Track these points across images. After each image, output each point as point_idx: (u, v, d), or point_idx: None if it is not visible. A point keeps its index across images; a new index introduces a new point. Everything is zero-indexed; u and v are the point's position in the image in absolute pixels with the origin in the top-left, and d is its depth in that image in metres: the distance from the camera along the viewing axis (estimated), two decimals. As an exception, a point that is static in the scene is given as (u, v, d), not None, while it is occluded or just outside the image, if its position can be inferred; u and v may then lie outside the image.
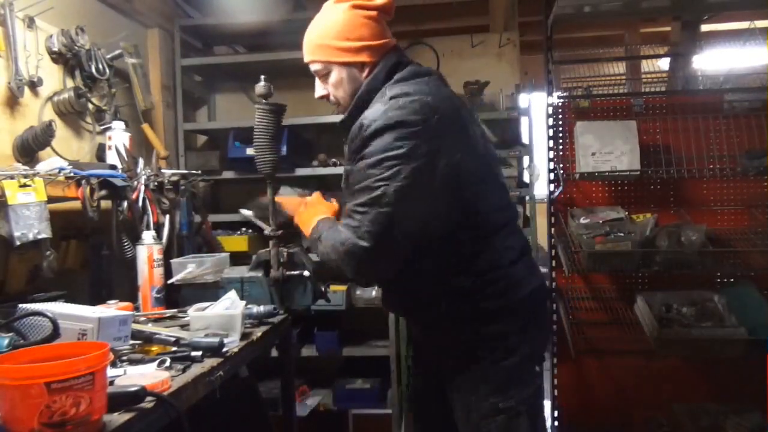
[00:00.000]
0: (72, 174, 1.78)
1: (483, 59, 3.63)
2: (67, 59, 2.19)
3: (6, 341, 1.30)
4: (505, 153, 3.19)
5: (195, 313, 1.63)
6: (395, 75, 1.47)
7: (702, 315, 2.48)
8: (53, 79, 2.15)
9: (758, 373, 1.87)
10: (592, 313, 2.78)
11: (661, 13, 3.46)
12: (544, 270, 2.69)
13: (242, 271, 1.99)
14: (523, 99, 3.36)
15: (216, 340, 1.46)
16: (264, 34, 3.26)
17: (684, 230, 2.46)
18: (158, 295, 1.98)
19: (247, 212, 1.97)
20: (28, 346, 1.21)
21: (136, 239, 2.00)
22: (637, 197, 2.79)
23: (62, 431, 0.94)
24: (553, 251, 2.79)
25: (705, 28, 3.80)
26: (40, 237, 1.63)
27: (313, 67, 1.54)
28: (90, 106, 2.27)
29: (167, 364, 1.34)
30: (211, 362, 1.41)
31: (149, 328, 1.64)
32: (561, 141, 2.81)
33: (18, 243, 1.58)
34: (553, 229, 2.81)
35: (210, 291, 1.95)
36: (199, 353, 1.41)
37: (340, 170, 1.72)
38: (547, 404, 2.64)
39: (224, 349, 1.47)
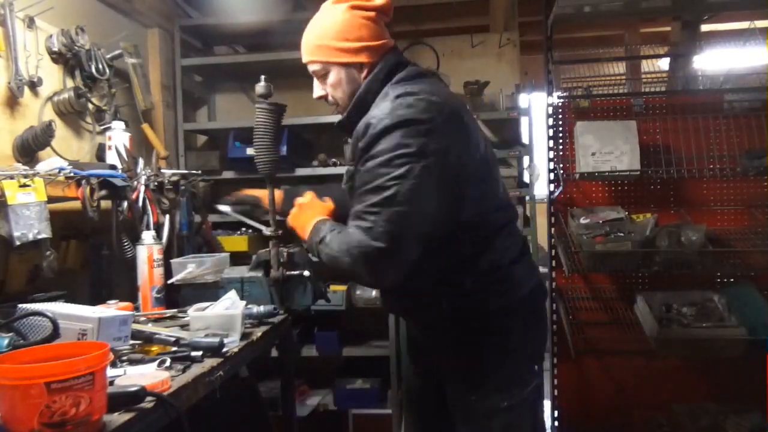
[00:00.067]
0: (72, 174, 1.78)
1: (483, 59, 3.63)
2: (67, 59, 2.19)
3: (6, 341, 1.30)
4: (505, 153, 3.19)
5: (195, 313, 1.63)
6: (396, 75, 1.47)
7: (702, 315, 2.48)
8: (53, 79, 2.15)
9: (758, 373, 1.88)
10: (592, 313, 2.78)
11: (661, 13, 3.46)
12: (544, 270, 2.70)
13: (242, 271, 1.99)
14: (523, 99, 3.36)
15: (216, 340, 1.46)
16: (264, 34, 3.26)
17: (684, 230, 2.46)
18: (158, 295, 1.98)
19: (225, 208, 1.94)
20: (28, 346, 1.21)
21: (136, 239, 2.00)
22: (637, 197, 2.79)
23: (62, 431, 0.94)
24: (553, 251, 2.79)
25: (705, 28, 3.79)
26: (40, 237, 1.63)
27: (312, 68, 1.53)
28: (90, 106, 2.27)
29: (167, 364, 1.34)
30: (211, 362, 1.41)
31: (149, 328, 1.64)
32: (561, 141, 2.81)
33: (18, 243, 1.58)
34: (553, 229, 2.81)
35: (210, 291, 1.95)
36: (199, 353, 1.41)
37: (340, 170, 1.72)
38: (547, 404, 2.64)
39: (224, 349, 1.47)
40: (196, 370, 1.35)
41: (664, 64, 3.25)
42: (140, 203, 2.05)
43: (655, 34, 4.80)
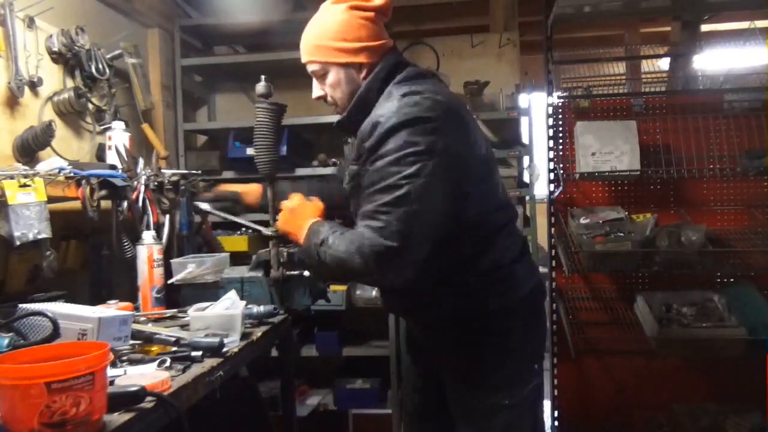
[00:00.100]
0: (72, 174, 1.78)
1: (483, 59, 3.63)
2: (67, 59, 2.19)
3: (6, 341, 1.29)
4: (505, 153, 3.19)
5: (195, 313, 1.63)
6: (397, 75, 1.47)
7: (702, 315, 2.48)
8: (53, 79, 2.15)
9: (758, 373, 1.88)
10: (592, 313, 2.78)
11: (661, 13, 3.46)
12: (544, 270, 2.70)
13: (242, 271, 1.99)
14: (523, 99, 3.36)
15: (216, 340, 1.46)
16: (264, 34, 3.26)
17: (684, 230, 2.46)
18: (158, 295, 1.98)
19: (204, 205, 1.93)
20: (28, 346, 1.21)
21: (136, 239, 2.00)
22: (637, 197, 2.79)
23: (62, 431, 0.94)
24: (553, 251, 2.79)
25: (705, 28, 3.80)
26: (40, 237, 1.62)
27: (311, 68, 1.53)
28: (90, 106, 2.27)
29: (167, 364, 1.34)
30: (211, 362, 1.41)
31: (149, 328, 1.64)
32: (561, 141, 2.81)
33: (18, 243, 1.58)
34: (553, 229, 2.81)
35: (210, 291, 1.95)
36: (199, 353, 1.40)
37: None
38: (547, 404, 2.64)
39: (224, 349, 1.47)
40: (196, 370, 1.35)
41: (664, 64, 3.25)
42: (140, 203, 2.04)
43: (655, 34, 4.80)
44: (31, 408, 0.92)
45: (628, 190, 2.80)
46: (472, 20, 4.19)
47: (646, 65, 3.42)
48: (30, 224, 1.60)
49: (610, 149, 2.55)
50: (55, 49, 2.13)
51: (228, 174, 3.15)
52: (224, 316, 1.60)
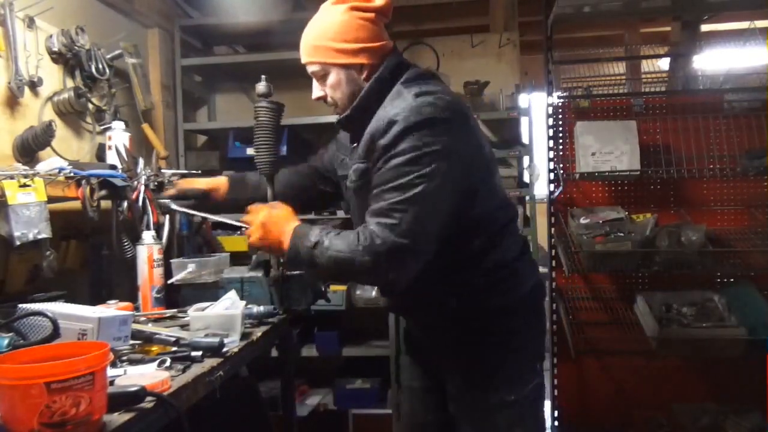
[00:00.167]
0: (72, 174, 1.77)
1: (483, 59, 3.63)
2: (67, 59, 2.19)
3: (6, 341, 1.29)
4: (505, 153, 3.18)
5: (195, 313, 1.63)
6: (401, 76, 1.47)
7: (702, 315, 2.48)
8: (53, 79, 2.15)
9: (758, 373, 1.88)
10: (592, 313, 2.78)
11: (661, 13, 3.46)
12: (544, 270, 2.70)
13: (242, 271, 1.99)
14: (523, 99, 3.36)
15: (216, 340, 1.46)
16: (264, 34, 3.26)
17: (684, 230, 2.46)
18: (158, 295, 1.97)
19: (166, 202, 1.88)
20: (28, 346, 1.21)
21: (136, 239, 2.00)
22: (637, 197, 2.79)
23: (62, 431, 0.94)
24: (553, 251, 2.80)
25: (705, 28, 3.80)
26: (40, 237, 1.62)
27: (311, 69, 1.53)
28: (90, 106, 2.27)
29: (167, 364, 1.34)
30: (211, 362, 1.40)
31: (149, 328, 1.64)
32: (561, 141, 2.81)
33: (18, 243, 1.58)
34: (553, 229, 2.81)
35: (210, 291, 1.95)
36: (199, 353, 1.40)
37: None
38: (547, 404, 2.64)
39: (224, 349, 1.47)
40: (196, 370, 1.35)
41: (664, 64, 3.26)
42: (140, 203, 2.04)
43: (655, 34, 4.80)
44: (31, 408, 0.92)
45: (628, 190, 2.80)
46: (472, 20, 4.19)
47: (646, 65, 3.42)
48: (30, 224, 1.60)
49: (610, 149, 2.55)
50: (55, 49, 2.13)
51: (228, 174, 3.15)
52: (224, 316, 1.60)
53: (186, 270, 2.02)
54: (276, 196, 1.78)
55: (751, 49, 2.73)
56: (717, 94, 2.76)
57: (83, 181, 1.80)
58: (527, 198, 3.30)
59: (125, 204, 1.98)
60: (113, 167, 2.04)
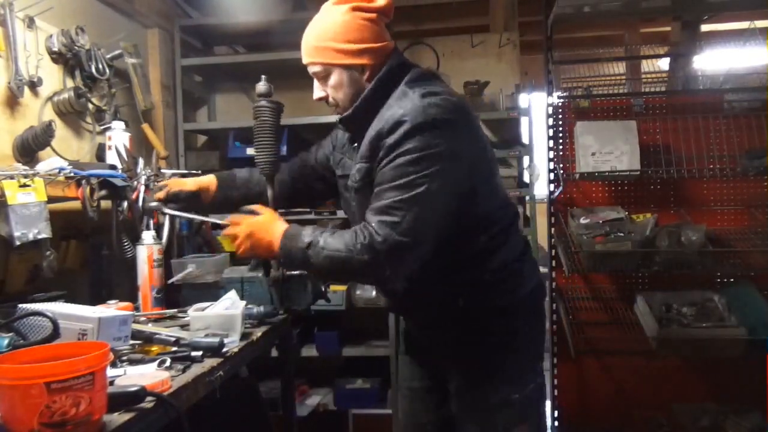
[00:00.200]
0: (72, 174, 1.78)
1: (483, 59, 3.62)
2: (67, 59, 2.19)
3: (6, 341, 1.29)
4: (505, 153, 3.18)
5: (195, 313, 1.63)
6: (404, 76, 1.47)
7: (702, 315, 2.48)
8: (53, 79, 2.15)
9: (758, 373, 1.88)
10: (592, 313, 2.78)
11: (661, 13, 3.46)
12: (544, 270, 2.69)
13: (242, 271, 1.99)
14: (523, 99, 3.36)
15: (216, 340, 1.46)
16: (264, 34, 3.26)
17: (684, 230, 2.46)
18: (158, 295, 1.98)
19: (155, 204, 1.84)
20: (28, 346, 1.21)
21: (136, 239, 2.00)
22: (637, 197, 2.79)
23: (62, 431, 0.94)
24: (553, 251, 2.80)
25: (705, 28, 3.80)
26: (40, 237, 1.62)
27: (312, 69, 1.52)
28: (90, 106, 2.27)
29: (167, 364, 1.34)
30: (211, 362, 1.41)
31: (149, 328, 1.64)
32: (561, 141, 2.81)
33: (18, 243, 1.58)
34: (553, 229, 2.81)
35: (210, 291, 1.95)
36: (199, 353, 1.40)
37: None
38: (547, 404, 2.64)
39: (224, 349, 1.47)
40: (196, 370, 1.35)
41: (664, 64, 3.26)
42: (140, 203, 2.04)
43: (655, 34, 4.80)
44: (31, 408, 0.92)
45: (628, 190, 2.80)
46: (472, 20, 4.19)
47: (646, 65, 3.42)
48: (30, 224, 1.60)
49: (610, 149, 2.55)
50: (55, 49, 2.13)
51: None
52: (224, 316, 1.60)
53: (186, 270, 2.02)
54: (267, 195, 1.78)
55: (751, 49, 2.73)
56: (717, 94, 2.76)
57: (83, 181, 1.80)
58: (527, 198, 3.30)
59: (125, 204, 1.98)
60: (113, 167, 2.04)
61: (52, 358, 1.03)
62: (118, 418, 1.06)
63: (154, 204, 1.80)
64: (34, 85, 2.02)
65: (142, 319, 1.85)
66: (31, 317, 1.35)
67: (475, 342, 1.51)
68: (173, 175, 2.28)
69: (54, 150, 2.04)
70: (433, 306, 1.54)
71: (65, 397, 0.93)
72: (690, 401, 2.71)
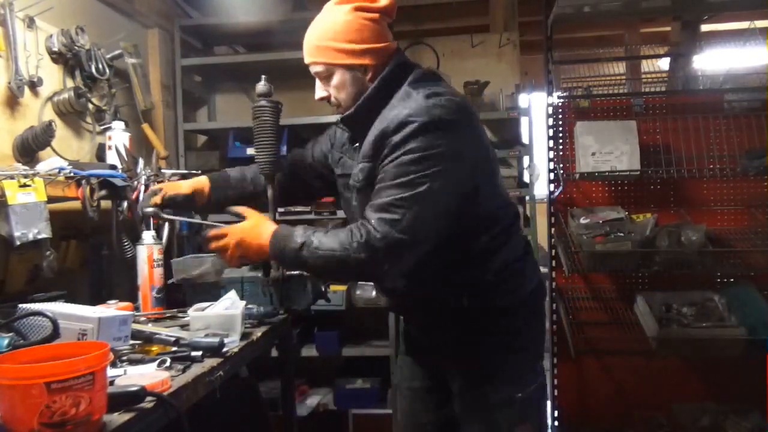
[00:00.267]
0: (72, 174, 1.78)
1: (483, 59, 3.62)
2: (67, 59, 2.19)
3: (6, 341, 1.29)
4: (505, 153, 3.18)
5: (195, 313, 1.63)
6: (407, 76, 1.47)
7: (702, 315, 2.48)
8: (53, 79, 2.15)
9: (758, 373, 1.88)
10: (592, 313, 2.78)
11: (661, 13, 3.46)
12: (544, 270, 2.69)
13: (242, 271, 1.99)
14: (523, 99, 3.36)
15: (216, 340, 1.46)
16: (264, 34, 3.26)
17: (684, 230, 2.46)
18: (158, 295, 1.98)
19: (151, 209, 1.77)
20: (28, 346, 1.21)
21: (136, 239, 2.00)
22: (637, 197, 2.79)
23: (62, 431, 0.94)
24: (553, 251, 2.79)
25: (705, 28, 3.80)
26: (40, 237, 1.63)
27: (314, 69, 1.52)
28: (90, 106, 2.27)
29: (167, 364, 1.34)
30: (211, 362, 1.41)
31: (149, 328, 1.64)
32: (561, 141, 2.81)
33: (18, 243, 1.58)
34: (553, 229, 2.81)
35: (210, 291, 1.95)
36: (199, 353, 1.40)
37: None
38: (547, 404, 2.64)
39: (224, 349, 1.47)
40: (196, 370, 1.35)
41: (664, 64, 3.26)
42: (138, 209, 2.04)
43: (655, 34, 4.80)
44: (31, 408, 0.92)
45: (628, 190, 2.80)
46: (472, 20, 4.19)
47: (646, 65, 3.42)
48: (30, 224, 1.60)
49: (610, 149, 2.55)
50: (55, 49, 2.13)
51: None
52: (224, 316, 1.60)
53: (186, 270, 2.02)
54: (259, 194, 1.78)
55: (751, 49, 2.73)
56: (717, 94, 2.76)
57: (83, 181, 1.81)
58: (527, 198, 3.30)
59: (125, 204, 1.98)
60: (113, 167, 2.04)
61: (52, 358, 1.03)
62: (118, 418, 1.06)
63: (150, 210, 1.74)
64: (34, 85, 2.02)
65: (142, 319, 1.85)
66: (31, 317, 1.35)
67: (476, 342, 1.51)
68: (173, 175, 2.28)
69: (54, 150, 2.04)
70: (436, 306, 1.54)
71: (65, 397, 0.93)
72: (690, 401, 2.71)
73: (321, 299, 2.01)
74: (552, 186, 2.78)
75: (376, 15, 1.47)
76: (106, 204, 1.94)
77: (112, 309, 1.62)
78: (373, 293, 2.98)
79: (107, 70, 2.33)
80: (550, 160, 2.78)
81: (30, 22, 2.02)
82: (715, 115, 2.66)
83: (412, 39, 3.68)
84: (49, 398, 0.92)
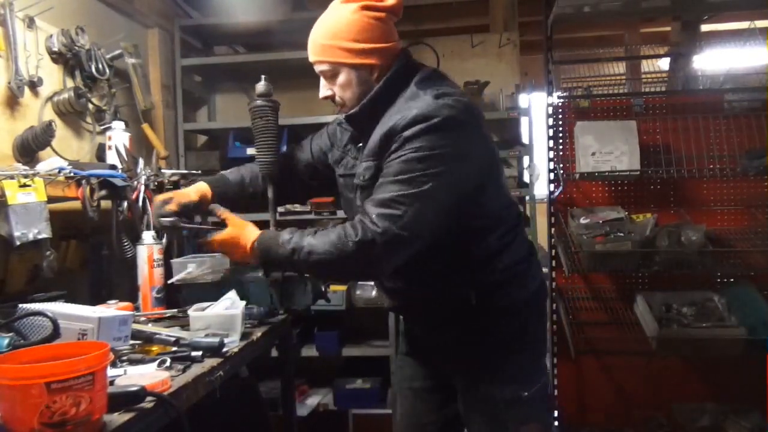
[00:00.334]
0: (72, 174, 1.78)
1: (483, 59, 3.62)
2: (67, 59, 2.19)
3: (6, 341, 1.29)
4: (505, 153, 3.18)
5: (195, 313, 1.63)
6: (413, 76, 1.47)
7: (702, 315, 2.48)
8: (53, 79, 2.15)
9: (758, 373, 1.88)
10: (592, 313, 2.78)
11: (661, 13, 3.46)
12: (544, 270, 2.70)
13: (242, 272, 1.99)
14: (523, 99, 3.36)
15: (216, 340, 1.46)
16: (264, 34, 3.26)
17: (684, 230, 2.46)
18: (158, 295, 1.98)
19: (168, 220, 1.66)
20: (28, 346, 1.21)
21: (136, 239, 2.00)
22: (637, 197, 2.79)
23: (62, 431, 0.94)
24: (553, 251, 2.79)
25: (705, 28, 3.80)
26: (40, 237, 1.63)
27: (320, 68, 1.50)
28: (90, 106, 2.27)
29: (167, 364, 1.34)
30: (211, 362, 1.41)
31: (149, 328, 1.64)
32: (561, 141, 2.81)
33: (18, 243, 1.58)
34: (553, 229, 2.81)
35: (210, 291, 1.95)
36: (199, 353, 1.40)
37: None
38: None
39: (224, 349, 1.47)
40: (196, 370, 1.35)
41: (664, 64, 3.26)
42: (140, 203, 2.04)
43: (655, 34, 4.80)
44: (31, 408, 0.92)
45: (628, 190, 2.80)
46: (472, 20, 4.20)
47: (646, 65, 3.42)
48: (30, 224, 1.60)
49: (610, 149, 2.55)
50: (55, 49, 2.13)
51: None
52: (224, 316, 1.60)
53: (186, 270, 2.02)
54: (257, 195, 1.79)
55: (751, 49, 2.73)
56: (717, 94, 2.76)
57: (83, 181, 1.81)
58: (527, 198, 3.30)
59: (125, 204, 1.98)
60: (113, 167, 2.04)
61: (52, 358, 1.03)
62: (118, 418, 1.06)
63: (169, 220, 1.62)
64: (34, 85, 2.02)
65: (142, 319, 1.85)
66: (31, 317, 1.35)
67: (481, 342, 1.51)
68: (173, 175, 2.28)
69: (54, 150, 2.04)
70: (442, 307, 1.54)
71: (65, 397, 0.93)
72: (690, 401, 2.71)
73: (321, 299, 2.00)
74: (552, 186, 2.78)
75: (382, 14, 1.46)
76: (106, 204, 1.94)
77: (112, 309, 1.62)
78: (374, 293, 2.98)
79: (107, 70, 2.33)
80: (550, 160, 2.78)
81: (30, 22, 2.02)
82: (715, 115, 2.66)
83: (412, 39, 3.67)
84: (49, 398, 0.92)
